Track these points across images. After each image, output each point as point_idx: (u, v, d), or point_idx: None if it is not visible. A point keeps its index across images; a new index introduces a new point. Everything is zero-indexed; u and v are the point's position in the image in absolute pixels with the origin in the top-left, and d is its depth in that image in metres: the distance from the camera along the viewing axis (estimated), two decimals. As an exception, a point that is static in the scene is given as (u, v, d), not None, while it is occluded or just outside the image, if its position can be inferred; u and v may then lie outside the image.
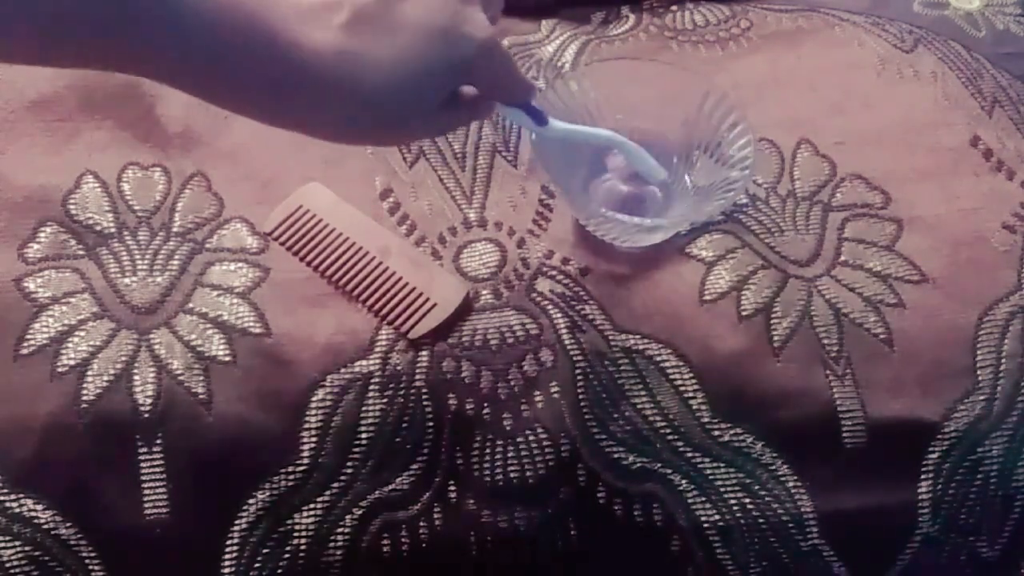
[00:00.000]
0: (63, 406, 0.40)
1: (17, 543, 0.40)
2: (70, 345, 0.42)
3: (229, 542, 0.41)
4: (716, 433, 0.43)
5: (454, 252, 0.47)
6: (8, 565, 0.40)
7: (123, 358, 0.42)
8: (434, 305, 0.44)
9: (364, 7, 0.32)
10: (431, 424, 0.42)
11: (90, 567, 0.40)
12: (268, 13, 0.30)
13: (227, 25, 0.30)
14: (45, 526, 0.40)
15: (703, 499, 0.43)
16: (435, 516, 0.42)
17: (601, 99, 0.49)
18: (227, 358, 0.42)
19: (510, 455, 0.42)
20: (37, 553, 0.40)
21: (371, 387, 0.42)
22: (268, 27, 0.30)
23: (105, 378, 0.41)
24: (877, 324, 0.45)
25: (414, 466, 0.42)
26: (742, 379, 0.43)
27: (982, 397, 0.44)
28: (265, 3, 0.31)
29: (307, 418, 0.42)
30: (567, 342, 0.44)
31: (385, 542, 0.42)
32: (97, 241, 0.45)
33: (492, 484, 0.42)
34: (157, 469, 0.41)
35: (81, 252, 0.45)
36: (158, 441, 0.41)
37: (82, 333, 0.42)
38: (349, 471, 0.42)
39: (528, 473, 0.42)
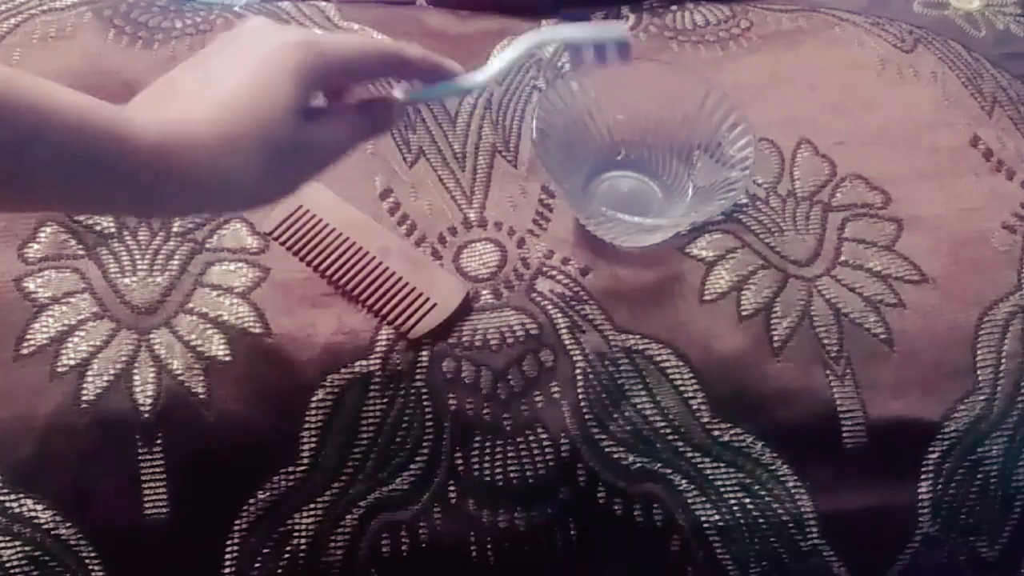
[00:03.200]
0: (63, 406, 0.40)
1: (17, 543, 0.40)
2: (70, 345, 0.42)
3: (229, 542, 0.41)
4: (716, 433, 0.43)
5: (454, 252, 0.47)
6: (8, 565, 0.40)
7: (123, 358, 0.42)
8: (434, 305, 0.44)
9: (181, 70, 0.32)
10: (431, 424, 0.42)
11: (90, 567, 0.40)
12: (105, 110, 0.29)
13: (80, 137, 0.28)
14: (45, 526, 0.40)
15: (703, 499, 0.43)
16: (435, 516, 0.42)
17: (601, 99, 0.49)
18: (227, 358, 0.42)
19: (510, 455, 0.42)
20: (37, 553, 0.40)
21: (371, 387, 0.42)
22: (105, 121, 0.29)
23: (105, 378, 0.41)
24: (877, 324, 0.45)
25: (414, 466, 0.42)
26: (742, 379, 0.43)
27: (982, 397, 0.44)
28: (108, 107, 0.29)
29: (307, 418, 0.42)
30: (567, 342, 0.44)
31: (385, 542, 0.42)
32: (97, 241, 0.45)
33: (492, 484, 0.42)
34: (157, 469, 0.41)
35: (81, 252, 0.45)
36: (158, 441, 0.41)
37: (82, 333, 0.42)
38: (349, 471, 0.42)
39: (528, 473, 0.42)
